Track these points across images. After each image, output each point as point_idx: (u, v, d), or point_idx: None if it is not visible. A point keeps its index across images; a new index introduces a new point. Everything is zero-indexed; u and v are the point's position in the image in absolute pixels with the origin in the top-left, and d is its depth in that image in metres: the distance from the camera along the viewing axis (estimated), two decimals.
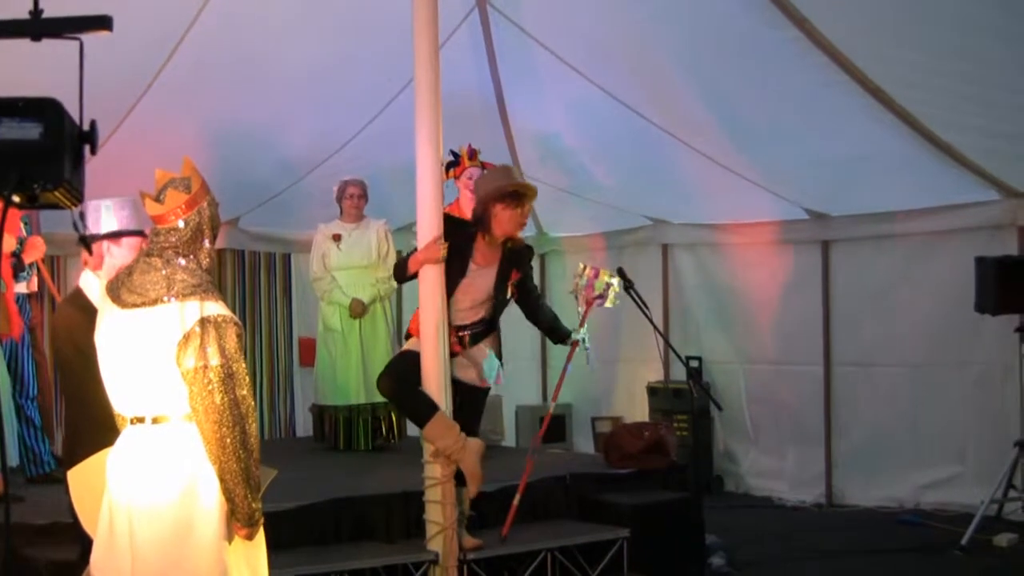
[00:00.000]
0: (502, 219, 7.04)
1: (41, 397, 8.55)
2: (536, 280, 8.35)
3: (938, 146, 9.24)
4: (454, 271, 7.10)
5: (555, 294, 12.77)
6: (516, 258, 7.22)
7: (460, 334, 7.15)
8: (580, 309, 7.74)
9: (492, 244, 7.14)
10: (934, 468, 10.63)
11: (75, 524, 5.35)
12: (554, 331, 7.58)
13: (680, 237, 12.59)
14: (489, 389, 7.46)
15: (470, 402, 7.28)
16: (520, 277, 7.23)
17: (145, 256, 4.53)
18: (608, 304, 7.71)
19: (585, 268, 7.79)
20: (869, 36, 8.22)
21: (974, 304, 9.41)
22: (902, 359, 10.86)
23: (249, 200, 11.54)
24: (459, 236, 7.13)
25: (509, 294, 7.23)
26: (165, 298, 4.34)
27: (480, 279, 7.15)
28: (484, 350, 7.25)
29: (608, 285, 7.67)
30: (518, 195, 7.05)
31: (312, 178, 11.22)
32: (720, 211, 11.87)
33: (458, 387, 7.14)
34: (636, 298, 7.81)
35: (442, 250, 6.95)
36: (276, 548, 4.70)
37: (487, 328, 7.26)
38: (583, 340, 7.52)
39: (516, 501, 7.45)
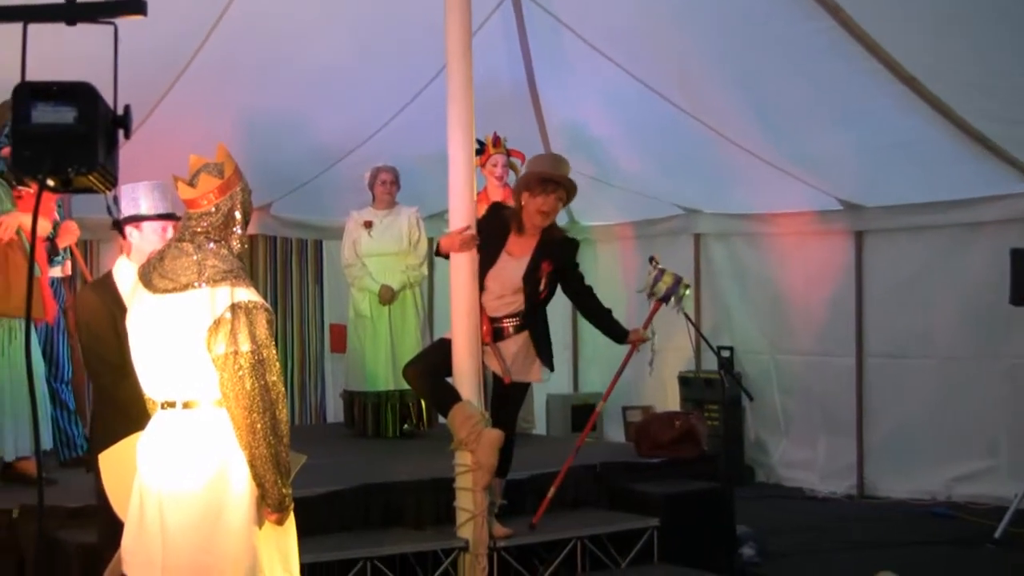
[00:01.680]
0: (529, 208, 7.08)
1: (74, 380, 8.59)
2: None
3: (973, 137, 9.18)
4: (486, 258, 7.10)
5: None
6: (550, 250, 7.16)
7: (495, 325, 7.13)
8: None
9: (526, 234, 7.14)
10: (967, 461, 10.57)
11: (103, 507, 5.38)
12: (610, 330, 7.55)
13: (712, 227, 12.55)
14: (527, 385, 7.48)
15: (500, 394, 7.29)
16: (553, 270, 7.15)
17: (176, 241, 4.54)
18: (672, 307, 7.68)
19: (653, 267, 7.72)
20: (903, 25, 8.17)
21: (1009, 296, 9.34)
22: (935, 351, 10.81)
23: (281, 187, 11.56)
24: (495, 223, 7.18)
25: (542, 286, 7.15)
26: (196, 283, 4.34)
27: (509, 268, 7.13)
28: (518, 344, 7.20)
29: (671, 289, 7.62)
30: (544, 183, 7.04)
31: (344, 165, 11.23)
32: (753, 201, 11.82)
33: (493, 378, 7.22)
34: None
35: (471, 241, 6.96)
36: (305, 534, 4.70)
37: (523, 322, 7.19)
38: (651, 339, 7.48)
39: (551, 493, 7.44)
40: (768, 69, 9.14)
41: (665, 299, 7.59)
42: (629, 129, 10.85)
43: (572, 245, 7.39)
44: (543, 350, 7.27)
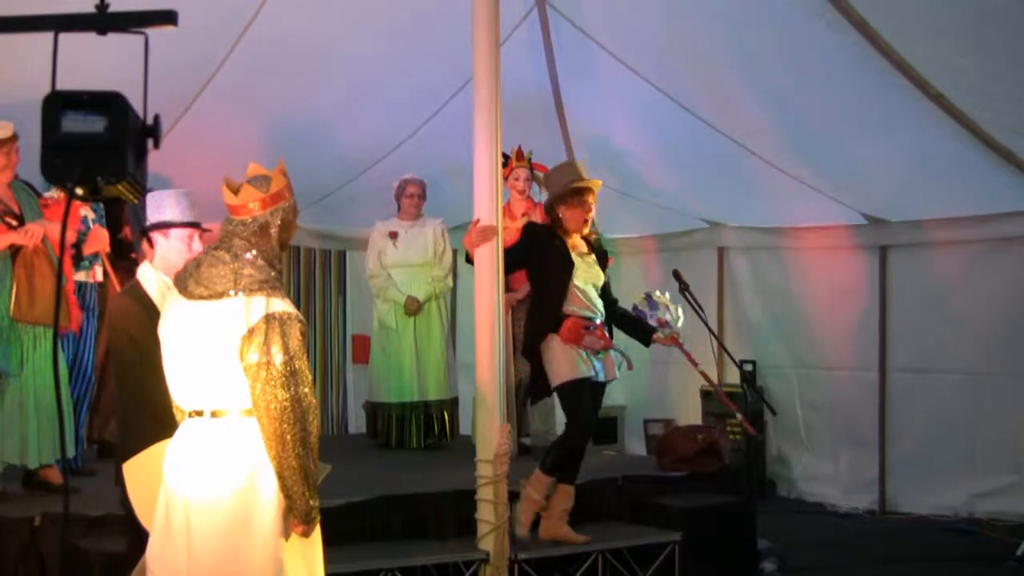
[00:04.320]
0: (569, 219, 7.37)
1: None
2: None
3: (999, 152, 9.16)
4: (556, 266, 7.34)
5: None
6: (600, 249, 7.63)
7: (593, 330, 7.36)
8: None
9: (576, 239, 7.44)
10: (989, 477, 10.54)
11: (128, 516, 5.40)
12: (637, 328, 7.73)
13: (736, 240, 12.54)
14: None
15: (596, 399, 7.51)
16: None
17: (213, 249, 4.56)
18: (673, 320, 7.71)
19: (645, 298, 7.82)
20: (930, 41, 8.15)
21: None
22: (958, 366, 10.77)
23: (306, 197, 11.55)
24: (544, 237, 7.43)
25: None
26: (231, 292, 4.37)
27: (589, 264, 7.46)
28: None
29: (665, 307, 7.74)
30: (579, 192, 7.28)
31: (369, 176, 11.25)
32: (777, 214, 11.81)
33: (591, 385, 7.38)
34: (691, 301, 7.80)
35: (489, 231, 7.05)
36: (328, 544, 4.71)
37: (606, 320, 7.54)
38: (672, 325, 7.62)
39: None
40: (792, 82, 9.12)
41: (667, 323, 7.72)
42: (654, 142, 10.84)
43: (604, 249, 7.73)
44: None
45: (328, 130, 10.28)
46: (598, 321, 7.36)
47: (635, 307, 7.71)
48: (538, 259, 7.39)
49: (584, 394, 7.28)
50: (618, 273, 13.16)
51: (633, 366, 7.65)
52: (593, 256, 7.51)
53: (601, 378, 7.41)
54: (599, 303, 7.41)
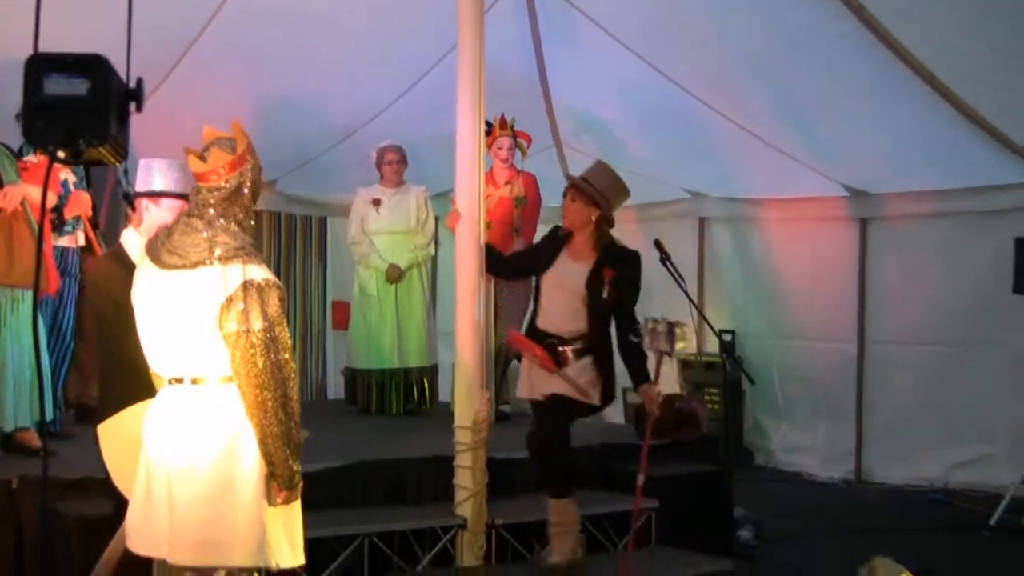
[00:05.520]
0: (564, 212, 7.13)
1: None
2: None
3: (979, 125, 9.18)
4: (542, 260, 7.11)
5: None
6: (612, 258, 7.02)
7: (560, 349, 6.98)
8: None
9: (584, 241, 7.07)
10: (965, 448, 10.61)
11: (107, 480, 5.40)
12: (635, 371, 7.11)
13: (718, 211, 12.55)
14: (599, 405, 7.22)
15: (563, 412, 7.05)
16: (615, 276, 6.95)
17: (186, 216, 4.54)
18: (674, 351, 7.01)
19: (659, 322, 6.93)
20: (916, 15, 8.15)
21: (1012, 285, 9.37)
22: (937, 338, 10.83)
23: (288, 163, 11.55)
24: (548, 240, 7.24)
25: (606, 294, 6.93)
26: (207, 261, 4.36)
27: (570, 271, 7.02)
28: (588, 370, 7.02)
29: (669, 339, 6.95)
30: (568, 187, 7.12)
31: (351, 142, 11.22)
32: (759, 186, 11.83)
33: (550, 401, 7.03)
34: (672, 271, 7.79)
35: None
36: (306, 509, 4.72)
37: (588, 346, 7.00)
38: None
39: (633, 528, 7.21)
40: (778, 55, 9.13)
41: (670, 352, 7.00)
42: (637, 112, 10.83)
43: (632, 259, 7.16)
44: (607, 377, 7.09)
45: (311, 96, 10.26)
46: (567, 346, 6.99)
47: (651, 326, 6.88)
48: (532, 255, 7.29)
49: (538, 409, 7.16)
50: None
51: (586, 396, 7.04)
52: (588, 265, 6.99)
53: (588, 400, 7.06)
54: (567, 316, 6.99)
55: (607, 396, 7.17)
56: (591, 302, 6.96)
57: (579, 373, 7.00)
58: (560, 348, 6.98)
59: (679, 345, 6.81)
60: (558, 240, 7.14)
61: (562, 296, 7.03)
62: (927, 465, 10.80)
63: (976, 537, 8.97)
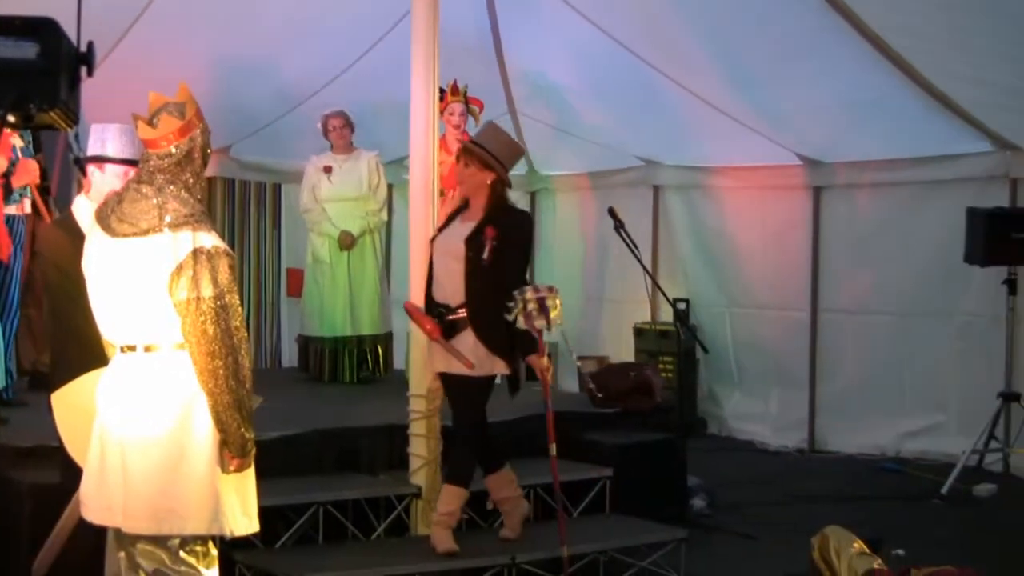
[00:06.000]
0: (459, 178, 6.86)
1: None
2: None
3: (933, 95, 9.22)
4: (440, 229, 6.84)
5: (544, 233, 12.92)
6: (496, 218, 6.61)
7: (450, 319, 6.59)
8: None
9: (478, 207, 6.69)
10: (917, 417, 10.67)
11: (60, 448, 5.36)
12: (519, 343, 6.56)
13: (671, 179, 12.53)
14: (492, 377, 6.83)
15: (464, 394, 6.75)
16: (497, 235, 6.50)
17: (135, 183, 4.50)
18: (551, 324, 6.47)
19: (528, 299, 6.37)
20: None
21: (963, 255, 9.43)
22: (889, 307, 10.88)
23: (241, 128, 11.46)
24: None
25: (486, 254, 6.47)
26: (157, 228, 4.33)
27: (456, 234, 6.66)
28: (469, 340, 6.57)
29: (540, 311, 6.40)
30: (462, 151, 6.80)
31: (306, 108, 11.13)
32: (713, 154, 11.83)
33: (447, 381, 6.75)
34: (626, 239, 7.79)
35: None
36: (260, 477, 4.69)
37: (471, 310, 6.57)
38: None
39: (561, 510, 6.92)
40: (732, 22, 9.14)
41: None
42: (591, 79, 10.83)
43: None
44: (496, 348, 6.60)
45: (265, 62, 10.20)
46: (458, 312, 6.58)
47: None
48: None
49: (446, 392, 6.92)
50: (553, 211, 13.20)
51: (472, 366, 6.55)
52: (471, 227, 6.61)
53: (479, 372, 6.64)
54: (458, 283, 6.57)
55: (516, 357, 6.70)
56: (469, 262, 6.54)
57: (476, 344, 6.58)
58: (450, 318, 6.60)
59: (553, 314, 6.36)
60: (457, 209, 6.82)
61: (451, 262, 6.63)
62: (879, 434, 10.85)
63: (927, 505, 9.05)
